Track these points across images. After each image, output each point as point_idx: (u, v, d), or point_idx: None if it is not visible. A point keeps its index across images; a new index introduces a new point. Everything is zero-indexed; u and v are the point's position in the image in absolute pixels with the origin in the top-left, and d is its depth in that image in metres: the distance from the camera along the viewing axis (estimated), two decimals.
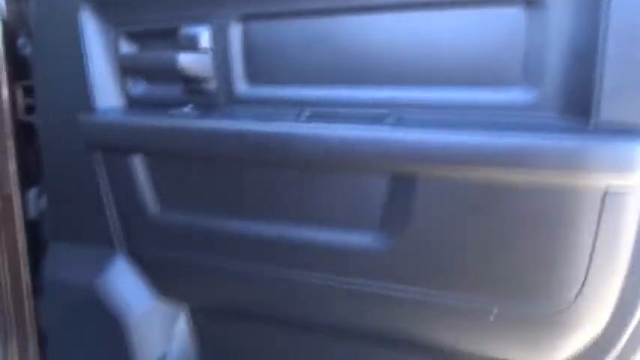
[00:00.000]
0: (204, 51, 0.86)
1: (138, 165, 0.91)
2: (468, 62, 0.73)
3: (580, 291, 0.68)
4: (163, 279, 0.97)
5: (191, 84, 0.89)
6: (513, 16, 0.71)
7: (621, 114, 0.64)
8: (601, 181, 0.64)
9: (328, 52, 0.80)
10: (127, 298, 0.96)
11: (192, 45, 0.86)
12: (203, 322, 1.01)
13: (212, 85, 0.87)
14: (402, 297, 0.77)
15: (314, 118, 0.80)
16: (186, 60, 0.86)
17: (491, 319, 0.72)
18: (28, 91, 1.13)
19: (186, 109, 0.88)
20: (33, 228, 1.18)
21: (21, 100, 1.14)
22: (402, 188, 0.74)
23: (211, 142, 0.83)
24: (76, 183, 0.99)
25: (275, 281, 0.86)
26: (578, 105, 0.67)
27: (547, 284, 0.70)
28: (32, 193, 1.17)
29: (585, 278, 0.67)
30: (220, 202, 0.88)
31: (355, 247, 0.79)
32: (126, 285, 0.97)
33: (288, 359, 0.96)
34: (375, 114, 0.77)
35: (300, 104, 0.82)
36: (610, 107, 0.64)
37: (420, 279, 0.75)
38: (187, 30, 0.86)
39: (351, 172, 0.78)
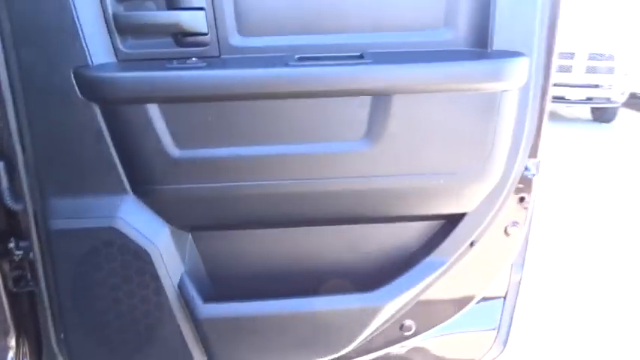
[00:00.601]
0: (199, 8, 1.02)
1: (142, 113, 1.04)
2: (409, 13, 1.07)
3: (489, 154, 1.12)
4: (171, 209, 1.14)
5: (184, 39, 1.05)
6: None
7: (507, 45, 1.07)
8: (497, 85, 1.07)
9: (307, 5, 1.05)
10: (143, 231, 1.11)
11: (186, 3, 1.01)
12: (207, 240, 1.21)
13: (207, 39, 1.04)
14: (379, 186, 1.12)
15: (302, 60, 1.04)
16: (182, 16, 1.02)
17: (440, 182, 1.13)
18: None
19: (191, 60, 1.04)
20: None
21: None
22: (377, 106, 1.07)
23: (219, 86, 1.02)
24: (73, 138, 1.07)
25: (276, 191, 1.11)
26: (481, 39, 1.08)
27: (469, 156, 1.12)
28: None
29: (492, 146, 1.11)
30: (220, 134, 1.07)
31: (344, 153, 1.10)
32: (139, 221, 1.10)
33: (284, 255, 1.23)
34: (348, 55, 1.06)
35: (286, 51, 1.06)
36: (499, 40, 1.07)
37: (392, 170, 1.11)
38: None
39: (337, 98, 1.06)
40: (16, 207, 1.19)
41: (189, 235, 1.21)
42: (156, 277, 1.14)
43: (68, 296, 1.18)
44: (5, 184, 1.17)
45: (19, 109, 1.09)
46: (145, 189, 1.12)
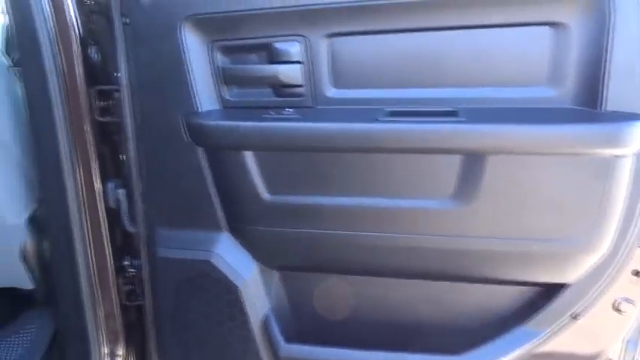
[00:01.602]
0: (297, 62, 1.07)
1: (239, 158, 1.11)
2: (509, 68, 1.01)
3: (596, 223, 1.01)
4: (260, 249, 1.20)
5: (283, 90, 1.10)
6: (541, 32, 0.99)
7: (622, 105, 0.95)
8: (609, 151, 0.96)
9: (400, 60, 1.04)
10: (235, 267, 1.18)
11: (286, 57, 1.06)
12: (293, 280, 1.25)
13: (303, 90, 1.09)
14: (470, 246, 1.07)
15: (392, 114, 1.04)
16: (281, 70, 1.07)
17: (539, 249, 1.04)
18: (101, 95, 1.27)
19: (287, 111, 1.09)
20: (112, 215, 1.34)
21: (95, 102, 1.27)
22: (470, 166, 1.02)
23: (311, 138, 1.05)
24: (180, 176, 1.17)
25: (360, 242, 1.11)
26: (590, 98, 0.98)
27: (573, 223, 1.02)
28: (110, 185, 1.33)
29: (600, 215, 1.00)
30: (309, 183, 1.10)
31: (431, 211, 1.06)
32: (233, 258, 1.18)
33: (370, 306, 1.23)
34: (441, 110, 1.03)
35: (379, 103, 1.06)
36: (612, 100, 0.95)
37: (486, 231, 1.05)
38: (281, 45, 1.06)
39: (427, 155, 1.04)
40: (131, 230, 1.33)
41: (277, 274, 1.25)
42: (243, 312, 1.20)
43: (167, 316, 1.29)
44: (125, 209, 1.32)
45: (140, 145, 1.22)
46: (238, 228, 1.18)
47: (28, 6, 1.11)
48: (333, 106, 1.09)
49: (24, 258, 1.37)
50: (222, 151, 1.12)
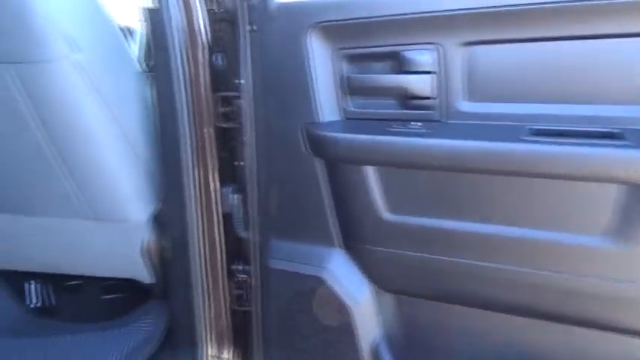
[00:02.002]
0: (429, 72, 0.99)
1: (360, 173, 1.05)
2: None
3: None
4: (376, 270, 1.13)
5: (410, 101, 1.03)
6: None
7: None
8: None
9: (548, 72, 0.92)
10: (347, 286, 1.13)
11: (416, 67, 0.98)
12: (408, 306, 1.17)
13: (433, 103, 1.00)
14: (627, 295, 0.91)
15: (538, 133, 0.92)
16: (411, 81, 1.00)
17: None
18: (224, 101, 1.28)
19: (414, 124, 1.01)
20: (226, 220, 1.35)
21: (218, 108, 1.29)
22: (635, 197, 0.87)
23: (440, 156, 0.97)
24: (296, 187, 1.15)
25: (488, 274, 1.01)
26: None
27: None
28: (226, 190, 1.34)
29: None
30: (434, 204, 1.01)
31: (583, 248, 0.92)
32: (345, 276, 1.13)
33: (493, 345, 1.11)
34: (600, 131, 0.89)
35: (519, 120, 0.95)
36: None
37: None
38: (412, 53, 0.98)
39: (581, 183, 0.90)
40: (243, 236, 1.33)
41: (392, 298, 1.18)
42: (352, 334, 1.14)
43: (274, 327, 1.27)
44: (239, 215, 1.33)
45: (258, 153, 1.21)
46: (353, 246, 1.13)
47: (161, 15, 1.14)
48: (465, 121, 0.99)
49: (144, 253, 1.43)
50: (342, 165, 1.07)
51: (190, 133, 1.25)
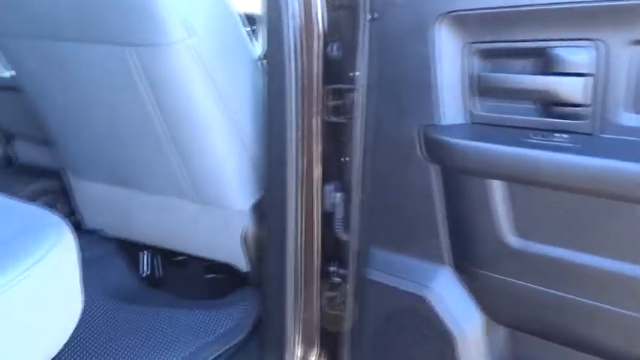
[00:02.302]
0: (583, 75, 0.81)
1: (485, 187, 0.91)
2: None
3: None
4: (490, 299, 0.99)
5: (555, 108, 0.86)
6: None
7: None
8: None
9: None
10: (454, 311, 1.00)
11: (568, 68, 0.81)
12: (525, 346, 1.02)
13: (586, 112, 0.83)
14: None
15: None
16: (560, 83, 0.83)
17: None
18: (335, 94, 1.20)
19: (558, 136, 0.85)
20: (326, 218, 1.28)
21: (328, 101, 1.22)
22: None
23: (591, 178, 0.79)
24: (405, 193, 1.04)
25: (633, 325, 0.82)
26: None
27: None
28: (329, 187, 1.27)
29: None
30: (574, 234, 0.84)
31: None
32: (453, 300, 1.00)
33: None
34: None
35: None
36: None
37: None
38: (563, 51, 0.81)
39: None
40: (343, 238, 1.26)
41: (505, 332, 1.03)
42: None
43: (365, 342, 1.18)
44: (341, 214, 1.25)
45: (367, 151, 1.12)
46: (466, 268, 0.99)
47: (278, 1, 1.08)
48: (624, 137, 0.80)
49: (243, 242, 1.42)
50: (462, 175, 0.94)
51: (297, 125, 1.20)
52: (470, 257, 0.98)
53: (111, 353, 1.36)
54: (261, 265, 1.43)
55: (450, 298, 1.00)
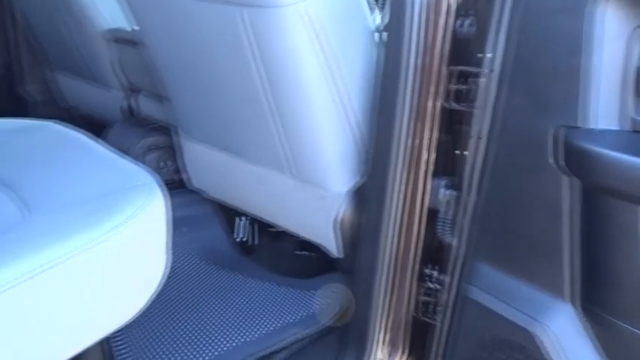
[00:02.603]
0: None
1: (635, 217, 0.71)
2: None
3: None
4: (625, 356, 0.79)
5: None
6: None
7: None
8: None
9: None
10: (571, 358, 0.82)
11: None
12: None
13: None
14: None
15: None
16: None
17: None
18: (458, 77, 1.04)
19: None
20: (430, 216, 1.15)
21: (449, 85, 1.06)
22: None
23: None
24: (528, 204, 0.86)
25: None
26: None
27: None
28: (438, 181, 1.12)
29: None
30: None
31: None
32: (572, 347, 0.82)
33: None
34: None
35: None
36: None
37: None
38: None
39: None
40: (446, 240, 1.12)
41: None
42: None
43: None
44: (448, 214, 1.11)
45: (488, 147, 0.96)
46: (597, 312, 0.80)
47: None
48: None
49: (337, 226, 1.33)
50: (611, 198, 0.74)
51: (411, 106, 1.06)
52: (604, 300, 0.78)
53: (194, 314, 1.37)
54: (352, 253, 1.34)
55: (568, 343, 0.82)
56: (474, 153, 0.99)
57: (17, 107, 2.33)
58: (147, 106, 1.89)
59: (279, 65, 1.12)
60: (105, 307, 0.84)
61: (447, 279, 1.09)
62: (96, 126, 2.12)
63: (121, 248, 0.81)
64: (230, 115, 1.35)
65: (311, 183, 1.30)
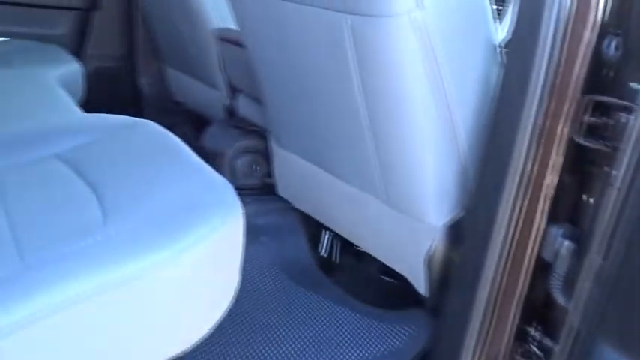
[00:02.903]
0: None
1: None
2: None
3: None
4: None
5: None
6: None
7: None
8: None
9: None
10: None
11: None
12: None
13: None
14: None
15: None
16: None
17: None
18: (596, 108, 0.85)
19: None
20: (539, 268, 0.97)
21: (584, 116, 0.88)
22: None
23: None
24: None
25: None
26: None
27: None
28: (553, 229, 0.94)
29: None
30: None
31: None
32: None
33: None
34: None
35: None
36: None
37: None
38: None
39: None
40: (558, 300, 0.94)
41: None
42: None
43: None
44: (562, 269, 0.93)
45: (626, 200, 0.77)
46: None
47: None
48: None
49: (427, 261, 1.19)
50: None
51: (532, 136, 0.90)
52: None
53: (265, 333, 1.30)
54: (442, 293, 1.19)
55: None
56: (607, 204, 0.81)
57: (133, 98, 2.46)
58: (246, 108, 1.87)
59: (382, 78, 1.01)
60: (172, 328, 0.80)
61: (555, 348, 0.91)
62: (199, 121, 2.18)
63: (194, 268, 0.78)
64: (324, 127, 1.26)
65: (403, 211, 1.17)
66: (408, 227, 1.18)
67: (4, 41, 1.96)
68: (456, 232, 1.14)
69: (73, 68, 1.91)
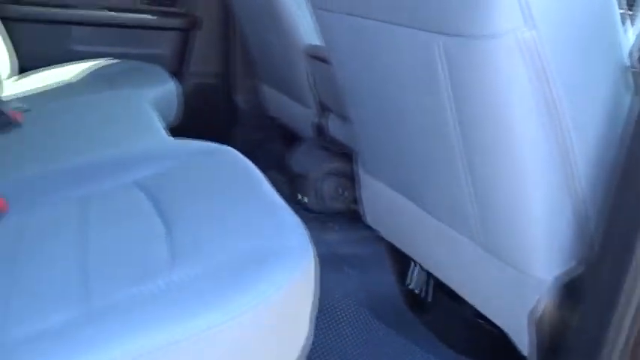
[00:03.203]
0: None
1: None
2: None
3: None
4: None
5: None
6: None
7: None
8: None
9: None
10: None
11: None
12: None
13: None
14: None
15: None
16: None
17: None
18: None
19: None
20: None
21: None
22: None
23: None
24: None
25: None
26: None
27: None
28: None
29: None
30: None
31: None
32: None
33: None
34: None
35: None
36: None
37: None
38: None
39: None
40: None
41: None
42: None
43: None
44: None
45: None
46: None
47: None
48: None
49: (532, 319, 1.00)
50: None
51: None
52: None
53: None
54: (550, 358, 1.00)
55: None
56: None
57: (229, 113, 2.50)
58: (335, 128, 1.79)
59: (479, 105, 0.87)
60: None
61: None
62: (292, 137, 2.15)
63: (261, 323, 0.74)
64: (412, 156, 1.13)
65: (504, 260, 1.00)
66: (509, 277, 1.01)
67: (111, 62, 2.07)
68: (570, 288, 0.95)
69: (169, 88, 1.96)
